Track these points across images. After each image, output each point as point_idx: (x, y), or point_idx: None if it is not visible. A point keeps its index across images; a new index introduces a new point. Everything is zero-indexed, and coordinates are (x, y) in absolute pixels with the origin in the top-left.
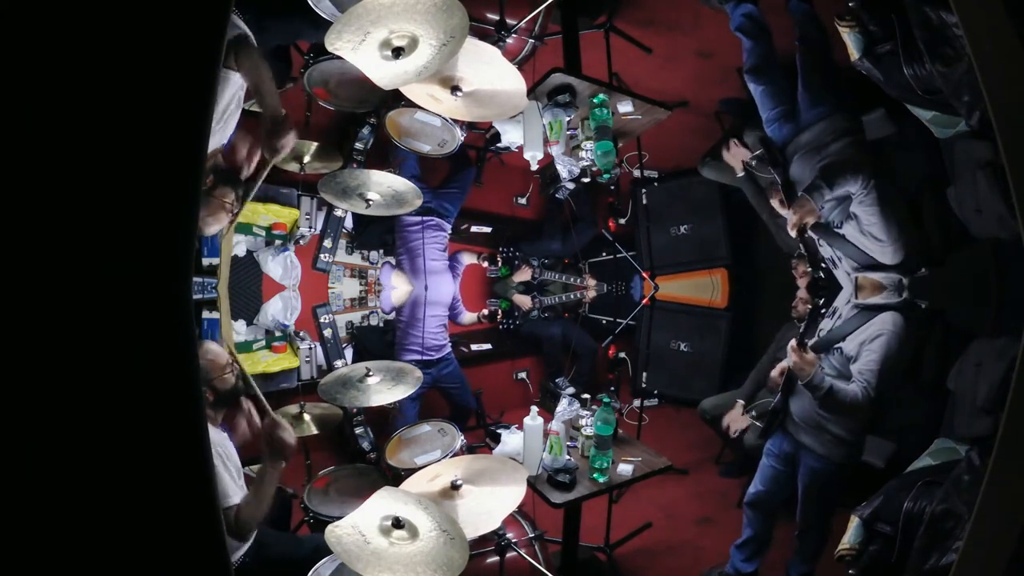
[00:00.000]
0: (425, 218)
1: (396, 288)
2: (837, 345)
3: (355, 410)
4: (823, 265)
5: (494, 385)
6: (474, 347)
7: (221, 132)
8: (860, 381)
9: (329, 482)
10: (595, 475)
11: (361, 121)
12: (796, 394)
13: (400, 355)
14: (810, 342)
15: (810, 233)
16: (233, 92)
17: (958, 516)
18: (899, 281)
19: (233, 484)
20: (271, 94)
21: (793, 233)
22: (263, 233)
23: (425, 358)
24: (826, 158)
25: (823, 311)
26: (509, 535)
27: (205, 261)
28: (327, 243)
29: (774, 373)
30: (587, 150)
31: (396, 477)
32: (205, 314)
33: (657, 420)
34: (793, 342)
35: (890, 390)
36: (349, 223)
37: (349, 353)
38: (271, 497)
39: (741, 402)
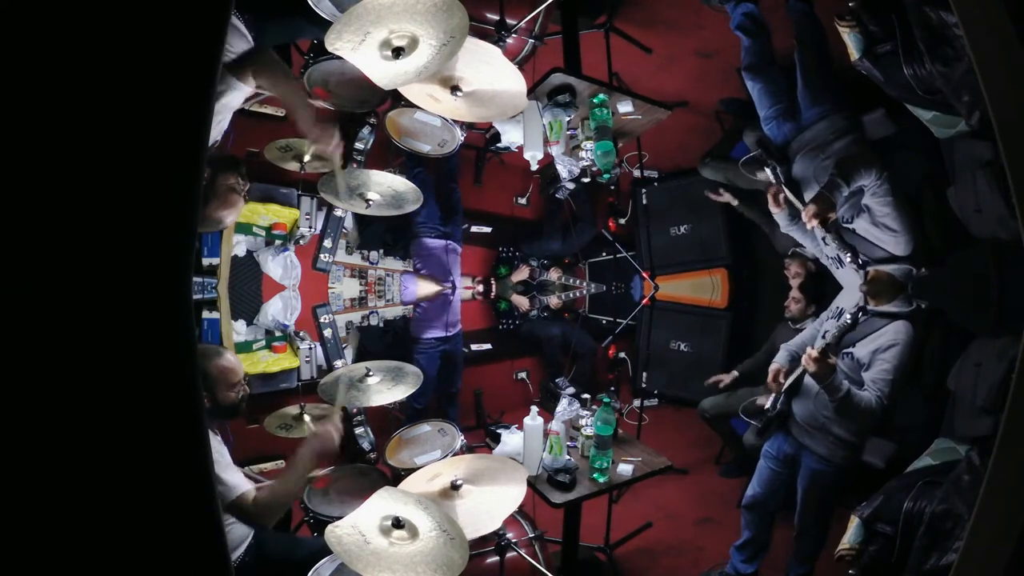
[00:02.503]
0: (447, 242)
1: (421, 287)
2: (847, 350)
3: (355, 410)
4: (861, 259)
5: (494, 385)
6: (474, 347)
7: (216, 129)
8: (874, 390)
9: (329, 482)
10: (595, 475)
11: (361, 121)
12: (800, 396)
13: (423, 332)
14: (826, 345)
15: (831, 228)
16: (239, 99)
17: (958, 516)
18: (910, 272)
19: (231, 479)
20: (303, 113)
21: (814, 225)
22: (263, 233)
23: (447, 333)
24: (830, 156)
25: (862, 317)
26: (509, 535)
27: (205, 261)
28: (327, 243)
29: (769, 378)
30: (587, 150)
31: (396, 477)
32: (205, 314)
33: (657, 420)
34: (815, 350)
35: (903, 395)
36: (349, 223)
37: (349, 353)
38: (297, 487)
39: (735, 373)
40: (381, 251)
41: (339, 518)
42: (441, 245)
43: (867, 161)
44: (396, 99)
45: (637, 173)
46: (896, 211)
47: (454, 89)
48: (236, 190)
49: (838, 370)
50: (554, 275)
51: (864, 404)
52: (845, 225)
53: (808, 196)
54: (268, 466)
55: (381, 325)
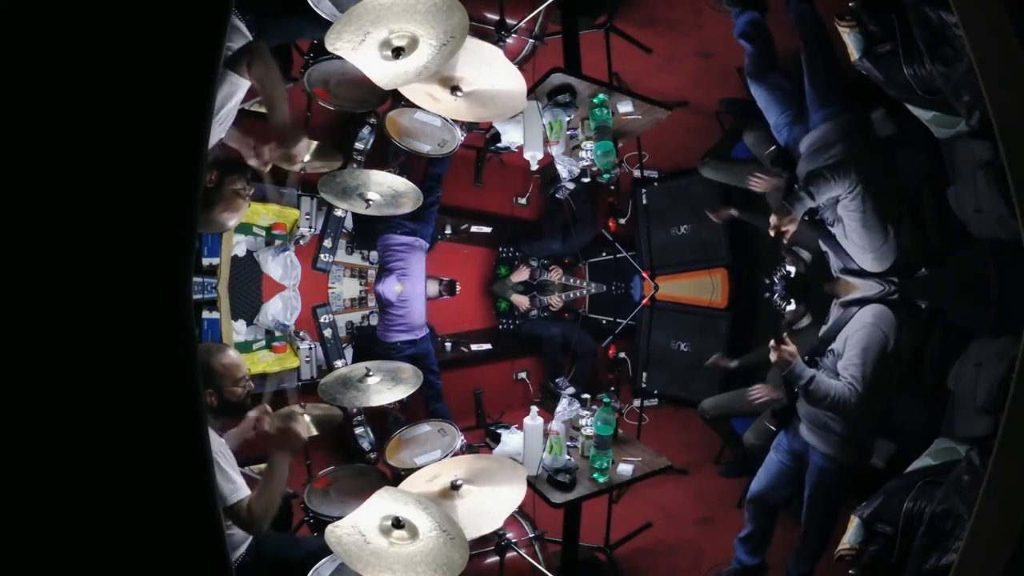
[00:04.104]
0: (414, 239)
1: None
2: (831, 347)
3: (355, 410)
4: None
5: (494, 385)
6: (474, 347)
7: (220, 129)
8: (845, 376)
9: (329, 482)
10: (595, 475)
11: (361, 121)
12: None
13: (388, 336)
14: (783, 333)
15: (788, 240)
16: (239, 96)
17: (958, 516)
18: (880, 289)
19: (238, 480)
20: (282, 107)
21: (771, 234)
22: (263, 233)
23: (413, 336)
24: (833, 157)
25: (837, 309)
26: (509, 535)
27: (205, 261)
28: (327, 243)
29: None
30: (587, 150)
31: (396, 477)
32: (205, 314)
33: (657, 420)
34: (772, 341)
35: (879, 382)
36: (349, 223)
37: (349, 353)
38: (282, 488)
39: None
40: None
41: (339, 518)
42: (406, 242)
43: (838, 174)
44: (396, 99)
45: (637, 173)
46: (864, 229)
47: (454, 89)
48: (241, 195)
49: (798, 357)
50: (554, 275)
51: (835, 392)
52: (829, 227)
53: None
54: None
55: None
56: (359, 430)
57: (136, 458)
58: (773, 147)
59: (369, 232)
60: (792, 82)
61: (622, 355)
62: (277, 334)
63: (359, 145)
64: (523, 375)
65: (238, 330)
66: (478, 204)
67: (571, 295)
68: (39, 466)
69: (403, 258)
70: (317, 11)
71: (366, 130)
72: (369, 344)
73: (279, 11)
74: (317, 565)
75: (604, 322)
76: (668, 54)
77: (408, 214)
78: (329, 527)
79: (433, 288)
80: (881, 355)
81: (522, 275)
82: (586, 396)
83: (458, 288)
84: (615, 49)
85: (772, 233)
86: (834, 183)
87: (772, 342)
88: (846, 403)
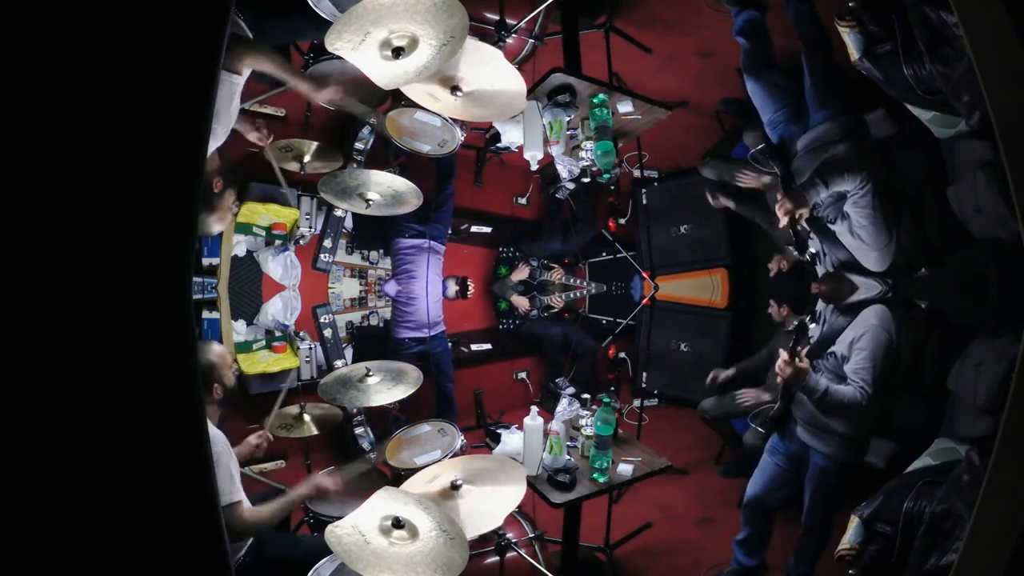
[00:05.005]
0: (422, 241)
1: (390, 287)
2: (831, 350)
3: (355, 410)
4: (808, 258)
5: (494, 385)
6: (474, 347)
7: (222, 133)
8: (855, 381)
9: None
10: (595, 475)
11: (361, 121)
12: (798, 399)
13: (396, 332)
14: (803, 350)
15: (802, 226)
16: (238, 97)
17: (958, 516)
18: (881, 289)
19: (235, 481)
20: (292, 73)
21: (784, 221)
22: (263, 233)
23: (421, 334)
24: (834, 157)
25: (810, 320)
26: (509, 535)
27: (205, 261)
28: (327, 243)
29: (778, 380)
30: (587, 150)
31: (396, 477)
32: (205, 314)
33: (657, 420)
34: (784, 353)
35: (887, 384)
36: (349, 223)
37: (349, 353)
38: (280, 518)
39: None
40: (381, 251)
41: (339, 518)
42: (414, 244)
43: (852, 168)
44: (396, 99)
45: (637, 173)
46: (873, 225)
47: (454, 89)
48: (232, 209)
49: (812, 371)
50: (554, 275)
51: (848, 399)
52: (828, 224)
53: None
54: (268, 466)
55: (381, 325)
56: (359, 430)
57: (136, 458)
58: (762, 144)
59: (369, 232)
60: (789, 80)
61: (622, 355)
62: (277, 334)
63: (359, 145)
64: (523, 375)
65: (238, 330)
66: (478, 204)
67: (571, 295)
68: (40, 466)
69: (412, 260)
70: (317, 11)
71: (366, 130)
72: (369, 344)
73: (279, 11)
74: (317, 565)
75: (604, 322)
76: (668, 54)
77: (418, 216)
78: (329, 527)
79: (451, 288)
80: (888, 356)
81: (522, 275)
82: (586, 396)
83: (470, 289)
84: (615, 49)
85: (785, 220)
86: (848, 176)
87: (786, 357)
88: (857, 407)
